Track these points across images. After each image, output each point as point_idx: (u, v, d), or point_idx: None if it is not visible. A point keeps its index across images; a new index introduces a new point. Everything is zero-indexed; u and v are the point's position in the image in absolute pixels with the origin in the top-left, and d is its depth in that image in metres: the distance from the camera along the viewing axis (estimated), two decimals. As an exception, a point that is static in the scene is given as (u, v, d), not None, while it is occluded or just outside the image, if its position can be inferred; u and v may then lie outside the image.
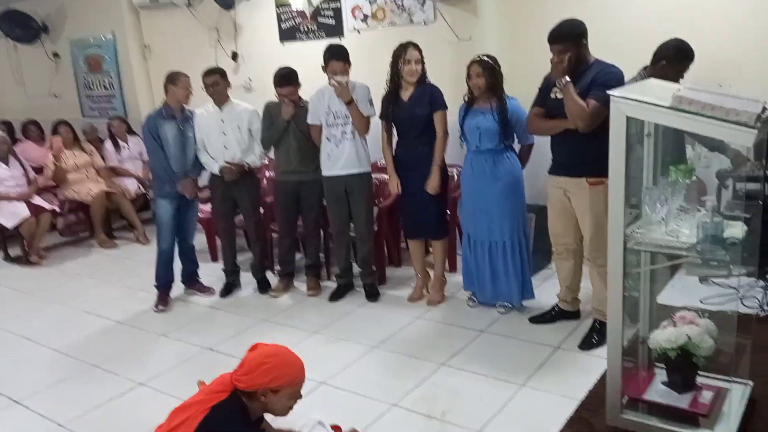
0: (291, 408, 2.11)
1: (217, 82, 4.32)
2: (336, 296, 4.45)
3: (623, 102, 2.27)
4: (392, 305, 4.30)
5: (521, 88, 3.94)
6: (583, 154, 3.24)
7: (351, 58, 4.08)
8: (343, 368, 3.46)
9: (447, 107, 3.96)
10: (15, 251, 6.03)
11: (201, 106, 4.49)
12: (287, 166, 4.38)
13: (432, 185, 3.96)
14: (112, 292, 4.97)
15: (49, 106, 8.17)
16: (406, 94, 3.97)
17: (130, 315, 4.47)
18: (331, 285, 4.63)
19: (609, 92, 2.32)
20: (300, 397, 2.12)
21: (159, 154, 4.37)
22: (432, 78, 4.04)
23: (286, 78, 4.20)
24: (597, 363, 3.22)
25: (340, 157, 4.16)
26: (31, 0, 7.78)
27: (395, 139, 4.17)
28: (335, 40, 5.34)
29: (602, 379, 2.86)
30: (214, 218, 4.89)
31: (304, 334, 3.94)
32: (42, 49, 8.04)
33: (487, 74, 3.68)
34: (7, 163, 5.99)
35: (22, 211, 5.85)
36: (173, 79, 4.32)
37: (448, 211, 4.40)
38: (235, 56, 6.23)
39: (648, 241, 2.35)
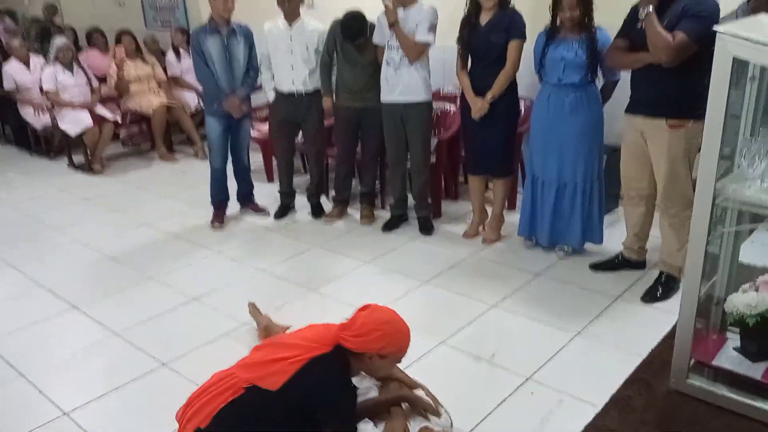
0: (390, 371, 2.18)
1: None
2: (389, 227, 4.37)
3: (730, 39, 2.01)
4: (446, 240, 4.19)
5: (611, 18, 3.60)
6: (665, 92, 2.99)
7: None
8: (393, 300, 3.41)
9: (525, 37, 3.66)
10: (78, 158, 6.16)
11: (270, 19, 4.31)
12: (350, 91, 4.22)
13: (475, 110, 3.74)
14: (170, 205, 5.04)
15: (114, 15, 8.14)
16: (484, 19, 3.69)
17: (187, 229, 4.52)
18: (385, 215, 4.54)
19: (715, 28, 2.05)
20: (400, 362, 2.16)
21: (204, 71, 4.25)
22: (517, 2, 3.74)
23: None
24: (658, 317, 3.07)
25: (398, 83, 3.96)
26: None
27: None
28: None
29: (667, 339, 2.71)
30: (273, 139, 4.80)
31: (356, 263, 3.90)
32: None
33: (582, 6, 3.37)
34: (71, 70, 6.03)
35: (85, 119, 5.93)
36: None
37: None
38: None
39: (741, 198, 2.13)
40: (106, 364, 2.97)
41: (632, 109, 3.23)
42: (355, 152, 4.50)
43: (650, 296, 3.28)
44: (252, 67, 4.36)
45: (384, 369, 2.13)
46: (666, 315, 3.06)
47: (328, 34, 4.20)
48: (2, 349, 3.09)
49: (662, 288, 3.28)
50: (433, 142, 4.47)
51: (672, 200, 3.13)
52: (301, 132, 4.57)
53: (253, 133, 5.15)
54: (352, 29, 4.03)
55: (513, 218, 4.19)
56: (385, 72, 4.00)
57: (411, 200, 4.42)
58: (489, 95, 3.70)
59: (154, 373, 2.86)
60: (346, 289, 3.55)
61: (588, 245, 3.82)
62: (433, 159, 4.41)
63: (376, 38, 4.00)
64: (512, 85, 3.78)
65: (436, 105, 4.60)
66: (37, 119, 6.29)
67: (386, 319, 2.05)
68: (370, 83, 4.13)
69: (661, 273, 3.34)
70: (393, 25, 3.78)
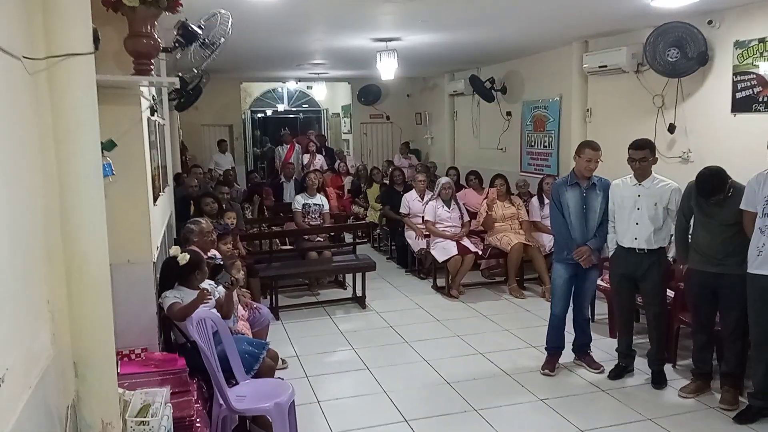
0: None
1: (645, 157, 4.12)
2: (744, 419, 3.70)
3: None
4: (823, 453, 3.35)
5: None
6: None
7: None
8: None
9: None
10: (441, 282, 6.91)
11: (620, 177, 4.35)
12: (704, 255, 3.89)
13: None
14: (507, 340, 5.23)
15: (495, 158, 9.18)
16: None
17: (518, 368, 4.61)
18: (743, 401, 3.87)
19: None
20: None
21: (559, 220, 4.43)
22: None
23: None
24: None
25: (775, 254, 3.47)
26: (492, 66, 8.91)
27: None
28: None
29: None
30: (612, 294, 4.65)
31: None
32: (498, 107, 9.10)
33: None
34: (449, 206, 6.94)
35: (452, 249, 6.68)
36: (579, 149, 4.36)
37: None
38: (672, 128, 5.83)
39: None
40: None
41: None
42: (713, 321, 4.03)
43: None
44: (606, 220, 4.39)
45: None
46: None
47: (684, 193, 3.99)
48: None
49: None
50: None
51: None
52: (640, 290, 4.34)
53: (601, 283, 5.06)
54: (707, 184, 3.77)
55: None
56: (758, 240, 3.57)
57: (780, 392, 3.69)
58: None
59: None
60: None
61: None
62: (816, 347, 3.65)
63: (748, 204, 3.62)
64: None
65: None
66: (416, 243, 7.33)
67: None
68: (729, 248, 3.74)
69: None
70: None
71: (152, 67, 3.02)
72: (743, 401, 3.86)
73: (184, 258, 3.52)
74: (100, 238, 2.16)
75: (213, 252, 4.41)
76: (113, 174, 2.87)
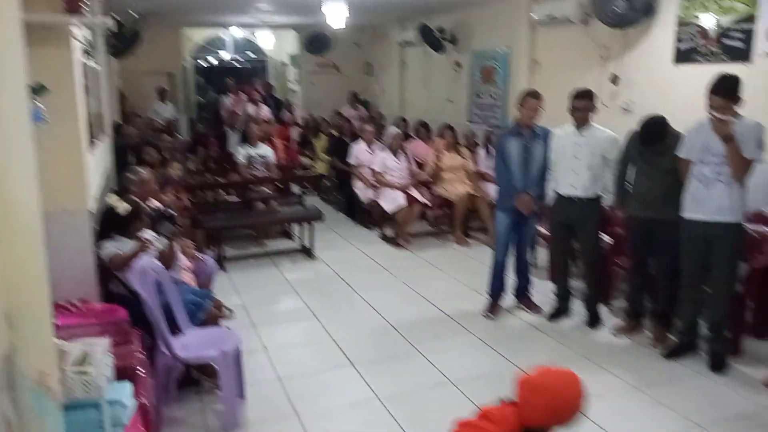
0: None
1: (586, 107, 4.20)
2: (673, 354, 3.94)
3: None
4: (741, 384, 3.60)
5: None
6: None
7: (756, 89, 3.48)
8: (657, 439, 3.06)
9: None
10: (389, 232, 6.97)
11: (560, 125, 4.43)
12: (643, 201, 4.03)
13: None
14: (452, 286, 5.36)
15: (444, 109, 9.17)
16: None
17: (461, 312, 4.74)
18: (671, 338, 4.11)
19: None
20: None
21: (502, 169, 4.50)
22: None
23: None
24: None
25: (709, 201, 3.62)
26: (443, 16, 8.82)
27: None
28: (738, 67, 4.63)
29: None
30: (549, 239, 4.80)
31: (623, 385, 3.61)
32: (448, 58, 9.05)
33: None
34: (398, 156, 6.93)
35: (400, 199, 6.72)
36: (522, 98, 4.41)
37: None
38: (615, 79, 5.94)
39: None
40: (362, 423, 3.28)
41: None
42: (646, 265, 4.22)
43: None
44: (547, 168, 4.48)
45: (570, 425, 1.96)
46: None
47: (626, 142, 4.10)
48: (290, 387, 3.64)
49: None
50: (744, 268, 3.94)
51: None
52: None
53: (541, 230, 5.20)
54: (650, 132, 3.89)
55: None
56: (694, 188, 3.71)
57: (705, 330, 3.92)
58: None
59: (398, 445, 3.05)
60: (603, 411, 3.27)
61: None
62: (740, 288, 3.88)
63: (684, 152, 3.75)
64: None
65: (755, 228, 4.11)
66: (364, 193, 7.34)
67: (557, 392, 1.91)
68: (667, 194, 3.88)
69: None
70: (730, 140, 3.46)
71: (84, 5, 2.86)
72: (673, 339, 4.09)
73: (122, 207, 3.43)
74: (30, 185, 2.07)
75: (155, 203, 4.31)
76: (46, 120, 2.74)
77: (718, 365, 3.76)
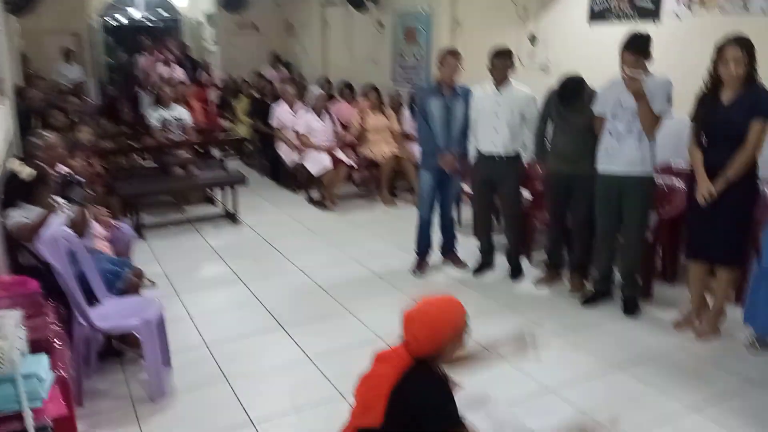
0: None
1: (505, 65, 4.25)
2: (589, 301, 4.14)
3: None
4: (651, 326, 3.83)
5: None
6: None
7: (665, 47, 3.60)
8: (577, 381, 3.22)
9: None
10: (315, 194, 6.90)
11: (480, 84, 4.47)
12: (561, 157, 4.15)
13: (702, 192, 3.41)
14: (380, 247, 5.39)
15: (367, 70, 9.06)
16: (727, 96, 3.38)
17: (390, 271, 4.78)
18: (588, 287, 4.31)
19: None
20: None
21: (424, 128, 4.51)
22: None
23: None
24: None
25: (620, 154, 3.77)
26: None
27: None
28: (648, 26, 4.81)
29: None
30: (472, 196, 4.89)
31: (545, 333, 3.75)
32: (370, 17, 8.91)
33: None
34: (321, 117, 6.82)
35: (326, 161, 6.65)
36: (441, 57, 4.41)
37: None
38: (533, 39, 6.04)
39: None
40: (294, 383, 3.27)
41: None
42: (564, 218, 4.38)
43: None
44: (469, 127, 4.52)
45: (452, 354, 2.04)
46: None
47: (545, 100, 4.19)
48: (218, 352, 3.57)
49: None
50: (654, 218, 4.16)
51: None
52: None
53: (464, 187, 5.28)
54: (569, 90, 3.99)
55: (737, 313, 3.68)
56: (607, 143, 3.85)
57: (619, 278, 4.14)
58: (722, 180, 3.36)
59: (331, 403, 3.06)
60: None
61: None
62: (650, 237, 4.10)
63: (598, 108, 3.88)
64: (751, 167, 3.38)
65: (663, 180, 4.32)
66: (288, 156, 7.21)
67: (435, 317, 1.98)
68: (584, 150, 4.01)
69: None
70: (641, 95, 3.59)
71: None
72: (589, 288, 4.29)
73: (26, 172, 3.21)
74: None
75: (64, 169, 4.06)
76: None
77: (631, 309, 3.98)
